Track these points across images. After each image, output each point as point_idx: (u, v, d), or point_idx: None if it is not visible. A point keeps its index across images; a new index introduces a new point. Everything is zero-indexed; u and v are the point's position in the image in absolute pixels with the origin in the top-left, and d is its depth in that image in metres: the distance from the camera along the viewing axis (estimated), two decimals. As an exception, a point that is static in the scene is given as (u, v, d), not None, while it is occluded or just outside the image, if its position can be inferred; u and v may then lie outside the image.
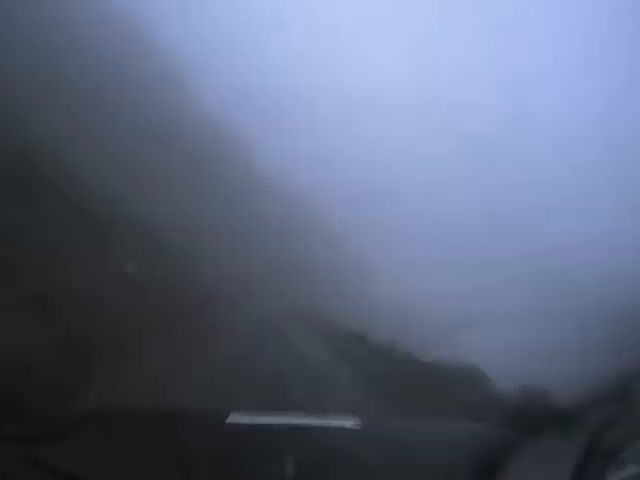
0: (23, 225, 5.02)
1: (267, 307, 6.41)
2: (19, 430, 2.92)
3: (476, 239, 5.83)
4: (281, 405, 3.71)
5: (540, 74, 6.04)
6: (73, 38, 6.26)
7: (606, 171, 5.48)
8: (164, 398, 3.70)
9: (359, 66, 6.53)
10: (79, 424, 3.06)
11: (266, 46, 6.48)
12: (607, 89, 5.71)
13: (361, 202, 6.46)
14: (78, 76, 6.30)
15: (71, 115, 5.96)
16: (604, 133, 5.75)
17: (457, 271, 5.80)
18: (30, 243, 4.98)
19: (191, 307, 6.19)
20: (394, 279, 6.13)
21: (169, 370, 4.47)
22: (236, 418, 3.12)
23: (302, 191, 7.00)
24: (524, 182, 5.99)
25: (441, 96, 6.16)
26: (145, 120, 6.76)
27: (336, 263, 7.13)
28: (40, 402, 3.48)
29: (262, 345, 5.56)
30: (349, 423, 3.16)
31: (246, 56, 6.57)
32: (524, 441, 3.10)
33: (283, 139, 6.58)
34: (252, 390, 4.12)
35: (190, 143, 6.89)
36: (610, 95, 5.66)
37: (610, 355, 4.15)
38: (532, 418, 3.50)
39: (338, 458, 2.92)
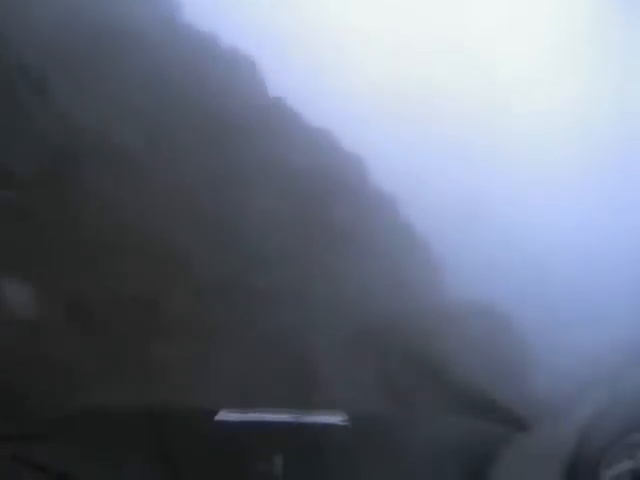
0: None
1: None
2: (10, 428, 2.92)
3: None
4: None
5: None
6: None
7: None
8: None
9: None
10: (68, 422, 3.06)
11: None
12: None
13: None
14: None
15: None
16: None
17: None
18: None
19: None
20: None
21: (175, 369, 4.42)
22: (224, 415, 3.11)
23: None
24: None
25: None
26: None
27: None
28: (30, 400, 3.48)
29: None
30: (339, 419, 3.16)
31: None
32: (516, 437, 3.10)
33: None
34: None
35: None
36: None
37: (597, 345, 4.16)
38: (519, 412, 3.50)
39: (328, 455, 2.91)
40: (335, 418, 3.15)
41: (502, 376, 4.34)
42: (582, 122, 5.87)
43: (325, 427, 3.13)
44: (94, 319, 4.83)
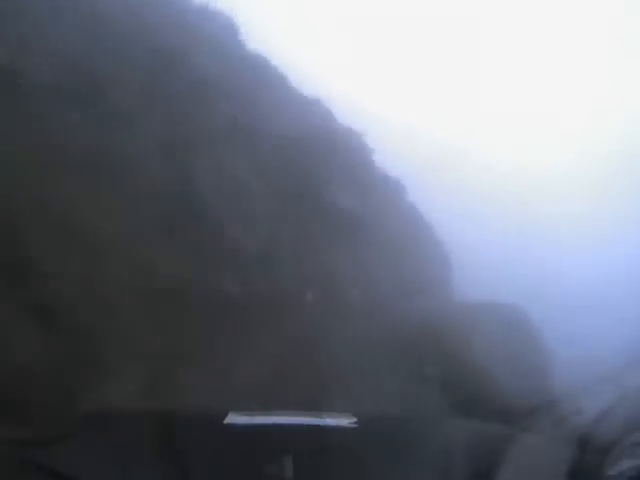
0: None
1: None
2: (21, 433, 2.92)
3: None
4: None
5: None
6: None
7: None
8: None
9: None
10: (79, 427, 3.06)
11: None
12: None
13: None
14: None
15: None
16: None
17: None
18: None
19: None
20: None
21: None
22: (234, 418, 3.12)
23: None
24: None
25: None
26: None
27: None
28: (41, 406, 3.47)
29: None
30: (346, 422, 3.18)
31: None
32: (521, 436, 3.12)
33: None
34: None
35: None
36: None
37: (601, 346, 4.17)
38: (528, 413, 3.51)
39: (335, 456, 2.93)
40: (343, 420, 3.18)
41: (519, 373, 4.25)
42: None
43: (333, 429, 3.16)
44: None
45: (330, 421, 3.22)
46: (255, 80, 6.49)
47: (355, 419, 3.17)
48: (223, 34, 6.84)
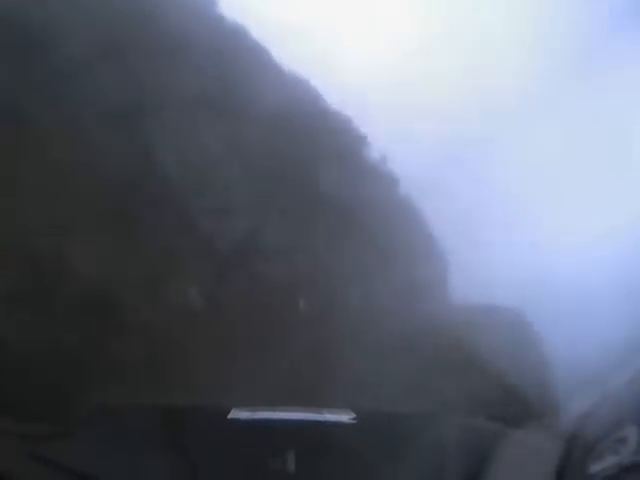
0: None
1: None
2: (28, 428, 2.94)
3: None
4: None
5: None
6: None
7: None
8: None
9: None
10: (86, 421, 3.10)
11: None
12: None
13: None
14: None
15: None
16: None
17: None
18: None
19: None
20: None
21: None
22: (237, 414, 3.20)
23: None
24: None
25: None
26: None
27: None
28: (48, 400, 3.47)
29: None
30: (346, 418, 3.28)
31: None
32: (510, 434, 3.25)
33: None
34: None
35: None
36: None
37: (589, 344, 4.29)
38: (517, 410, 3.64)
39: (336, 452, 3.02)
40: (343, 416, 3.28)
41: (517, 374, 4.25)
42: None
43: (333, 425, 3.25)
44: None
45: (330, 417, 3.32)
46: (234, 50, 5.54)
47: (354, 415, 3.27)
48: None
